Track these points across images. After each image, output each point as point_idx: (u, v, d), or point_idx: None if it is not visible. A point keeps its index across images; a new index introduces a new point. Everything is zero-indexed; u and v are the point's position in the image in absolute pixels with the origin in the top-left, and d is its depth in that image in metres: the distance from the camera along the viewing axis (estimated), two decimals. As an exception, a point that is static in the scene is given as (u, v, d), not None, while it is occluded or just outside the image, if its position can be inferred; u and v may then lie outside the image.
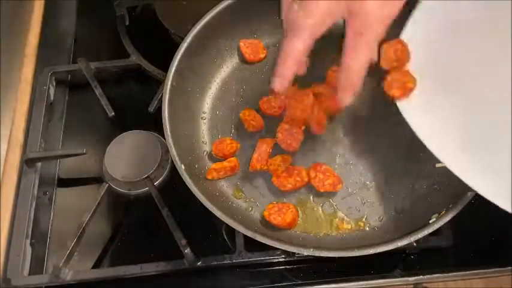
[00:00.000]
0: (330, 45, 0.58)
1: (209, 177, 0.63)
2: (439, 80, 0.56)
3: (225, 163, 0.64)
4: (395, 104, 0.57)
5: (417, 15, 0.57)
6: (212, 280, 0.63)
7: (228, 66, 0.73)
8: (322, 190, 0.62)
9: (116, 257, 0.65)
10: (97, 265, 0.64)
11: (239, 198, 0.64)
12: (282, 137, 0.64)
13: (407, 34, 0.57)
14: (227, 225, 0.55)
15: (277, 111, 0.67)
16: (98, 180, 0.70)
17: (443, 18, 0.56)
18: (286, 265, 0.63)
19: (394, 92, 0.57)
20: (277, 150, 0.65)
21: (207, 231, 0.65)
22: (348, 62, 0.50)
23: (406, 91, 0.56)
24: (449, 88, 0.55)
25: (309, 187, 0.63)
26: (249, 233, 0.54)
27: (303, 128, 0.64)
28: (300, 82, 0.59)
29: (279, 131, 0.64)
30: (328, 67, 0.67)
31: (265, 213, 0.60)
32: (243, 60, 0.73)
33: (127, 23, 0.83)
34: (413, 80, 0.57)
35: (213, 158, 0.66)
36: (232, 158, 0.64)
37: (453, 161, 0.51)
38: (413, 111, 0.55)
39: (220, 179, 0.64)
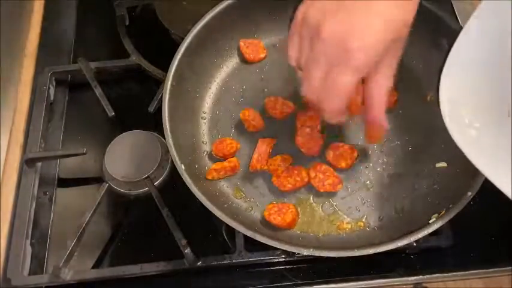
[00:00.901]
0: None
1: (209, 177, 0.63)
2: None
3: (225, 163, 0.64)
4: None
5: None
6: (212, 280, 0.63)
7: (228, 66, 0.73)
8: (322, 190, 0.62)
9: (116, 257, 0.65)
10: (97, 265, 0.64)
11: (239, 198, 0.64)
12: (303, 141, 0.64)
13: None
14: (227, 225, 0.55)
15: (278, 114, 0.67)
16: (98, 180, 0.70)
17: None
18: (286, 265, 0.63)
19: None
20: (277, 150, 0.65)
21: (207, 231, 0.65)
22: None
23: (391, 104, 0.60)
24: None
25: (309, 187, 0.63)
26: (249, 233, 0.54)
27: (319, 127, 0.65)
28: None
29: (299, 134, 0.65)
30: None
31: (265, 213, 0.60)
32: (243, 60, 0.73)
33: (127, 23, 0.83)
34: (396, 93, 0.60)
35: (213, 158, 0.66)
36: (232, 158, 0.64)
37: None
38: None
39: (220, 179, 0.64)
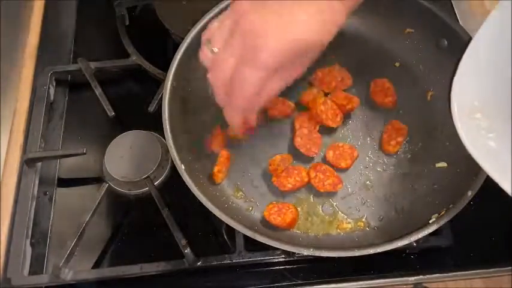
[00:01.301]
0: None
1: (219, 181, 0.63)
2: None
3: (220, 159, 0.63)
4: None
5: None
6: (212, 280, 0.63)
7: (228, 66, 0.72)
8: (322, 190, 0.62)
9: (115, 257, 0.65)
10: (97, 265, 0.64)
11: (239, 198, 0.64)
12: (302, 142, 0.64)
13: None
14: (227, 225, 0.55)
15: (277, 114, 0.68)
16: (98, 180, 0.70)
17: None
18: (286, 265, 0.63)
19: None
20: (277, 150, 0.65)
21: (207, 231, 0.65)
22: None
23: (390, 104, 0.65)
24: None
25: (309, 187, 0.63)
26: (249, 233, 0.54)
27: (317, 128, 0.65)
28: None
29: (297, 135, 0.65)
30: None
31: (265, 213, 0.60)
32: (243, 60, 0.72)
33: (127, 23, 0.83)
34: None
35: (213, 157, 0.66)
36: (222, 152, 0.64)
37: None
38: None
39: (226, 176, 0.64)
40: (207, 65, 0.51)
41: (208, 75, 0.50)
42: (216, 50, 0.49)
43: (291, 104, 0.68)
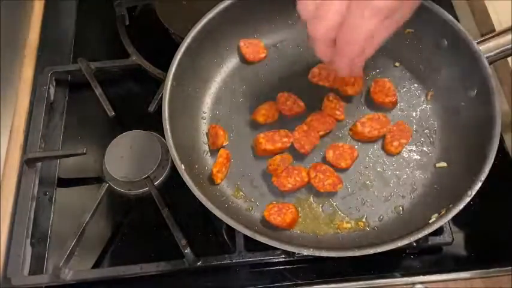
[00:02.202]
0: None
1: (219, 181, 0.63)
2: None
3: (219, 159, 0.63)
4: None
5: None
6: (212, 280, 0.63)
7: (228, 66, 0.73)
8: (322, 190, 0.62)
9: (115, 257, 0.65)
10: (97, 265, 0.64)
11: (239, 198, 0.64)
12: (298, 136, 0.64)
13: None
14: (227, 225, 0.55)
15: (287, 111, 0.68)
16: (98, 180, 0.70)
17: None
18: (286, 265, 0.63)
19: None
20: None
21: (207, 231, 0.65)
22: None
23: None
24: None
25: (309, 187, 0.63)
26: (249, 233, 0.54)
27: (320, 133, 0.65)
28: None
29: (296, 129, 0.65)
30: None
31: (265, 213, 0.60)
32: (243, 60, 0.73)
33: (127, 23, 0.83)
34: None
35: (213, 157, 0.66)
36: (221, 152, 0.64)
37: None
38: None
39: (224, 176, 0.64)
40: (306, 16, 0.47)
41: (310, 26, 0.46)
42: None
43: (302, 103, 0.67)
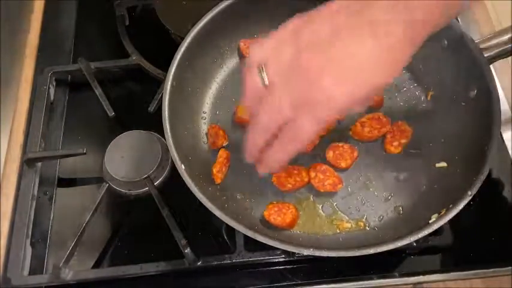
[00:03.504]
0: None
1: (219, 181, 0.63)
2: None
3: (219, 159, 0.64)
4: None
5: None
6: (212, 280, 0.63)
7: (228, 66, 0.73)
8: (322, 190, 0.62)
9: (115, 257, 0.65)
10: (97, 265, 0.64)
11: (239, 198, 0.64)
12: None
13: None
14: (227, 225, 0.55)
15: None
16: (98, 180, 0.70)
17: None
18: (286, 265, 0.63)
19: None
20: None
21: (207, 231, 0.65)
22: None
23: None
24: None
25: (309, 187, 0.63)
26: (249, 233, 0.54)
27: (320, 133, 0.65)
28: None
29: None
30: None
31: (265, 213, 0.60)
32: (243, 60, 0.73)
33: (127, 23, 0.83)
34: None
35: (213, 157, 0.66)
36: (221, 152, 0.64)
37: None
38: None
39: (225, 176, 0.64)
40: (249, 95, 0.44)
41: (251, 112, 0.44)
42: (267, 82, 0.42)
43: None
